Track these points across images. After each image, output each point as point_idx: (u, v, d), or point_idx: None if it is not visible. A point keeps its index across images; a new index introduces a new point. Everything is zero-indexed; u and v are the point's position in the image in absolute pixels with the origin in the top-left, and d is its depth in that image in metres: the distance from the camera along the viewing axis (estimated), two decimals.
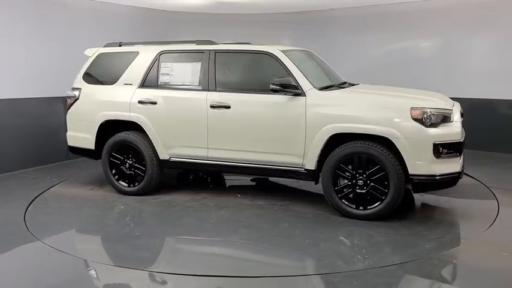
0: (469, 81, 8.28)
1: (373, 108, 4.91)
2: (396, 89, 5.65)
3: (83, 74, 6.30)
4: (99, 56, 6.26)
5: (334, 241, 4.55)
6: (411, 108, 4.74)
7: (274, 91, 5.12)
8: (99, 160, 6.17)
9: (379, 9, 9.02)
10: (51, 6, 7.68)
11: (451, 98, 5.58)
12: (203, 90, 5.58)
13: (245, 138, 5.39)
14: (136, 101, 5.83)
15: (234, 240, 4.60)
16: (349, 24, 9.51)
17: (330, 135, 4.94)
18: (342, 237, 4.64)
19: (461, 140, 4.85)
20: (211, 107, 5.47)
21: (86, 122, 6.15)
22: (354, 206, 4.97)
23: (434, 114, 4.73)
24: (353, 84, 5.86)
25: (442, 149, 4.69)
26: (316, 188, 5.38)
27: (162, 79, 5.83)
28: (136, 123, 5.85)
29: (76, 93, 6.24)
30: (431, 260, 4.02)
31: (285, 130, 5.19)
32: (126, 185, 6.03)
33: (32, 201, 5.81)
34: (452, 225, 5.06)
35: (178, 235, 4.82)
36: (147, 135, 5.83)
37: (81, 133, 6.24)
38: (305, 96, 5.09)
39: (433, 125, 4.72)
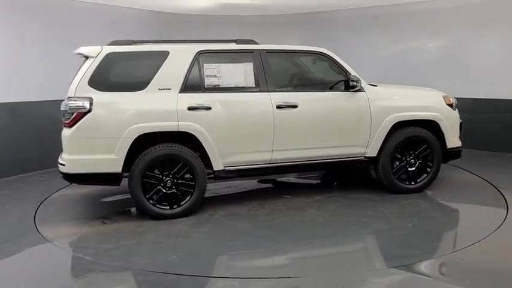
0: (475, 81, 8.22)
1: (420, 99, 5.93)
2: (409, 87, 6.55)
3: (88, 79, 4.93)
4: (109, 56, 5.00)
5: (434, 211, 5.35)
6: (443, 97, 5.95)
7: (353, 87, 5.49)
8: None
9: (384, 10, 9.04)
10: (60, 10, 7.78)
11: (456, 97, 6.26)
12: (262, 91, 5.34)
13: (314, 135, 5.49)
14: (185, 108, 5.05)
15: (370, 235, 4.74)
16: (356, 25, 9.51)
17: (394, 123, 5.66)
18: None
19: None
20: (278, 107, 5.32)
21: (108, 139, 4.90)
22: (408, 183, 5.85)
23: (455, 100, 6.09)
24: None
25: (460, 127, 6.10)
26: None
27: (209, 81, 5.23)
28: (184, 134, 5.08)
29: (84, 103, 4.85)
30: (440, 259, 4.07)
31: (352, 123, 5.59)
32: (168, 207, 5.13)
33: (41, 202, 5.82)
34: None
35: (314, 239, 4.60)
36: (197, 145, 5.14)
37: (96, 155, 4.92)
38: (364, 91, 5.63)
39: (454, 108, 6.08)
